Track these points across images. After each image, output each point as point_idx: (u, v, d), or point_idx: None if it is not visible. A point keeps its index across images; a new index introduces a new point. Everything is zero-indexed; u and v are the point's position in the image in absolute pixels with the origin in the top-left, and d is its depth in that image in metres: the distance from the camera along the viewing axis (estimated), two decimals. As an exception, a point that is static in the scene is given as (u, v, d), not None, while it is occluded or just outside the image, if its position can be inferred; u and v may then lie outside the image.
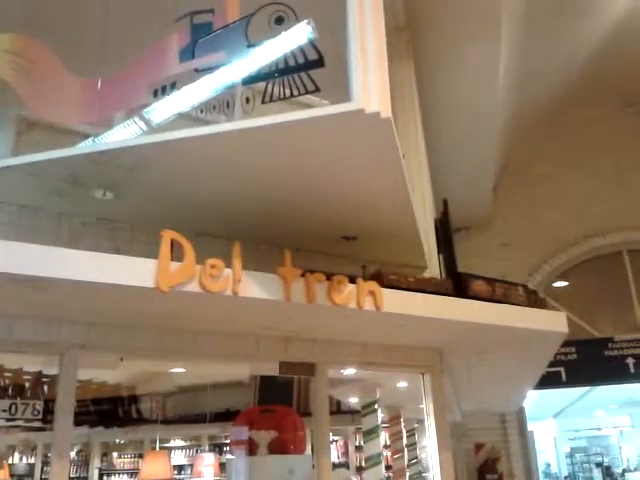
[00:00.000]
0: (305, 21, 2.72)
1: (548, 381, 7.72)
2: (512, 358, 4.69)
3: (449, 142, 7.14)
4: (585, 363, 8.67)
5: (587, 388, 11.16)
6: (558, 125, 9.58)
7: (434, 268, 4.66)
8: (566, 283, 9.47)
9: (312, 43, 2.67)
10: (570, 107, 9.19)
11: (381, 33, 2.63)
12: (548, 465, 16.62)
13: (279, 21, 2.76)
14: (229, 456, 6.35)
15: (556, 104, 8.96)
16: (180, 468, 10.16)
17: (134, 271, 2.51)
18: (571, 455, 17.35)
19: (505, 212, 9.57)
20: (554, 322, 3.91)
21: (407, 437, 6.59)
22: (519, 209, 9.57)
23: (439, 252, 5.17)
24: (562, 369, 8.66)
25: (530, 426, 9.40)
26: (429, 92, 6.05)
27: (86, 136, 3.13)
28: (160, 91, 3.01)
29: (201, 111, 2.95)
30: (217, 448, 9.70)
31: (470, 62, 5.91)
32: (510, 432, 8.90)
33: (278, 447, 4.46)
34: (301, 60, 2.66)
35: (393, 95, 2.69)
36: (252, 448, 4.47)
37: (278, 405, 5.19)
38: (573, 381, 8.82)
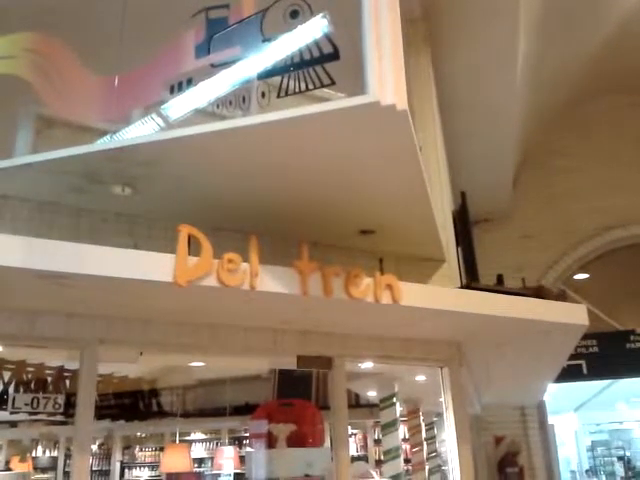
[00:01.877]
0: (320, 14, 2.71)
1: (569, 374, 7.65)
2: (532, 351, 4.65)
3: (468, 134, 7.07)
4: (606, 356, 8.57)
5: (609, 381, 11.04)
6: (578, 116, 9.45)
7: (452, 261, 4.64)
8: (587, 275, 9.36)
9: (327, 36, 2.66)
10: (591, 98, 9.06)
11: (396, 25, 2.61)
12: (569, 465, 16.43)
13: (294, 15, 2.76)
14: (248, 449, 6.40)
15: (576, 95, 8.84)
16: (200, 461, 10.24)
17: (153, 266, 2.53)
18: (592, 449, 17.18)
19: (525, 204, 9.47)
20: (574, 314, 3.87)
21: (426, 430, 6.56)
22: (539, 201, 9.47)
23: (457, 245, 5.15)
24: (583, 362, 8.57)
25: (551, 419, 9.32)
26: (447, 84, 6.00)
27: (104, 133, 3.17)
28: (176, 87, 3.03)
29: (217, 106, 2.96)
30: (237, 441, 9.76)
31: (488, 52, 5.84)
32: (530, 425, 8.83)
33: (297, 440, 4.48)
34: (316, 53, 2.66)
35: (409, 87, 2.67)
36: (271, 441, 4.49)
37: (297, 399, 5.20)
38: (594, 374, 8.73)
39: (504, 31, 5.51)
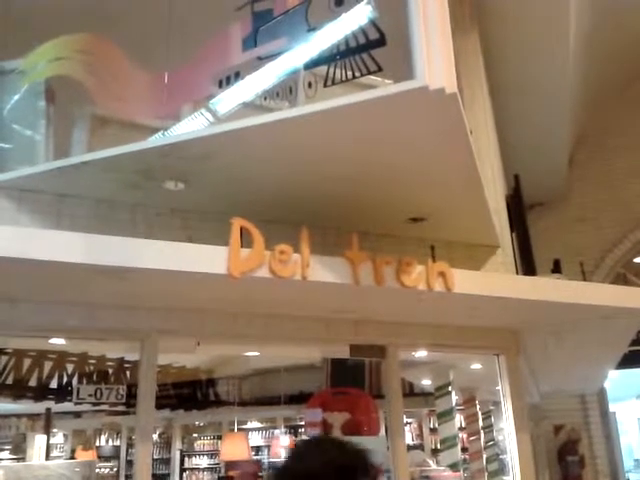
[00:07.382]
0: (365, 0, 2.68)
1: (631, 360, 7.40)
2: (592, 337, 4.52)
3: (519, 115, 6.89)
4: (671, 341, 8.26)
5: (674, 367, 10.63)
6: (635, 93, 9.08)
7: (507, 247, 4.54)
8: (648, 258, 9.02)
9: (373, 22, 2.63)
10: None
11: (444, 6, 2.55)
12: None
13: (339, 2, 2.73)
14: (304, 437, 6.46)
15: (631, 71, 8.49)
16: (257, 449, 10.42)
17: (207, 259, 2.57)
18: (657, 437, 16.62)
19: (582, 186, 9.17)
20: (636, 298, 3.73)
21: (483, 419, 6.48)
22: (596, 182, 9.16)
23: (512, 230, 5.03)
24: (645, 348, 8.29)
25: (612, 407, 9.06)
26: (496, 64, 5.85)
27: (155, 130, 3.23)
28: (225, 81, 3.05)
29: (264, 99, 2.97)
30: (292, 429, 9.89)
31: (539, 30, 5.67)
32: (591, 413, 8.61)
33: (352, 428, 4.48)
34: (362, 40, 2.63)
35: (458, 70, 2.62)
36: (326, 429, 4.51)
37: (350, 387, 5.21)
38: (658, 360, 8.43)
39: (555, 7, 5.32)
